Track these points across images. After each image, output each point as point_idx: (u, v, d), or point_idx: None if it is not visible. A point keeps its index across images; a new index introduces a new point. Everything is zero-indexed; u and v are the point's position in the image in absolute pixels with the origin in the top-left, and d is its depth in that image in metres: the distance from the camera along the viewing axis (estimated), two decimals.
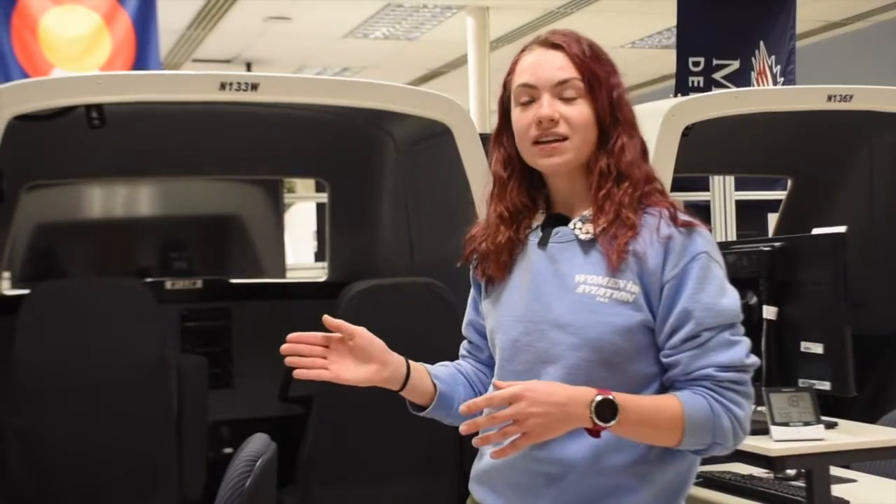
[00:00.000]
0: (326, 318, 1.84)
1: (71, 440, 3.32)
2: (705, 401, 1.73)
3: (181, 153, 4.26)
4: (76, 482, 3.34)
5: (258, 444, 2.30)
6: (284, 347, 1.83)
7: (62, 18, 6.14)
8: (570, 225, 1.86)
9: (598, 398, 1.66)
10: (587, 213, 1.85)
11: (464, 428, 1.68)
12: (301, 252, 9.38)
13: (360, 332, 1.86)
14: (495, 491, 1.88)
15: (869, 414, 3.26)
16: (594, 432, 1.68)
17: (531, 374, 1.81)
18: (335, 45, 11.43)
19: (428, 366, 1.97)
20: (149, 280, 4.39)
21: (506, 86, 1.93)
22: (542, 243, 1.87)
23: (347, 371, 1.85)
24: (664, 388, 1.80)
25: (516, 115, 1.88)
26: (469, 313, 2.07)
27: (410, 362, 1.91)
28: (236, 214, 5.15)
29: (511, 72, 1.92)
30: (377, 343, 1.87)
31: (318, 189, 6.78)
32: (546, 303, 1.82)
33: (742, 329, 1.80)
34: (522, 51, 1.92)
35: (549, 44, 1.88)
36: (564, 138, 1.82)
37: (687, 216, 1.82)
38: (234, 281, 4.69)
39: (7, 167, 3.21)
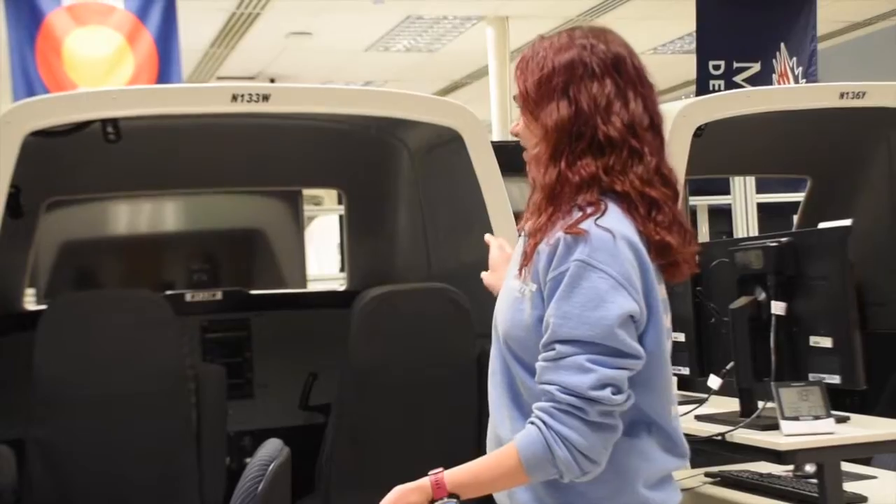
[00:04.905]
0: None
1: (91, 451, 3.35)
2: (539, 434, 1.70)
3: (198, 166, 4.30)
4: (97, 493, 3.37)
5: (271, 449, 2.32)
6: None
7: (86, 39, 6.22)
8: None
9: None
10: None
11: None
12: (327, 263, 9.43)
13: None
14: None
15: (892, 413, 3.23)
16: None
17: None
18: (357, 58, 11.48)
19: None
20: (169, 292, 4.42)
21: None
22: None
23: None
24: None
25: None
26: None
27: None
28: (257, 226, 5.19)
29: None
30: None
31: (341, 201, 6.82)
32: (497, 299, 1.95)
33: (619, 359, 1.71)
34: None
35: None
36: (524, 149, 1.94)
37: (585, 225, 1.76)
38: (253, 292, 4.72)
39: (25, 183, 3.25)
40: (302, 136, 4.11)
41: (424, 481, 1.75)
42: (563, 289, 1.72)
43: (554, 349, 1.72)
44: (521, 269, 1.83)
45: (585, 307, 1.71)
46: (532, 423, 1.72)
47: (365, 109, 3.51)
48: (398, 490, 1.76)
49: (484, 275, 2.18)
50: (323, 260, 9.59)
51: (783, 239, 2.90)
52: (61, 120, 3.22)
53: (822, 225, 2.89)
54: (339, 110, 3.53)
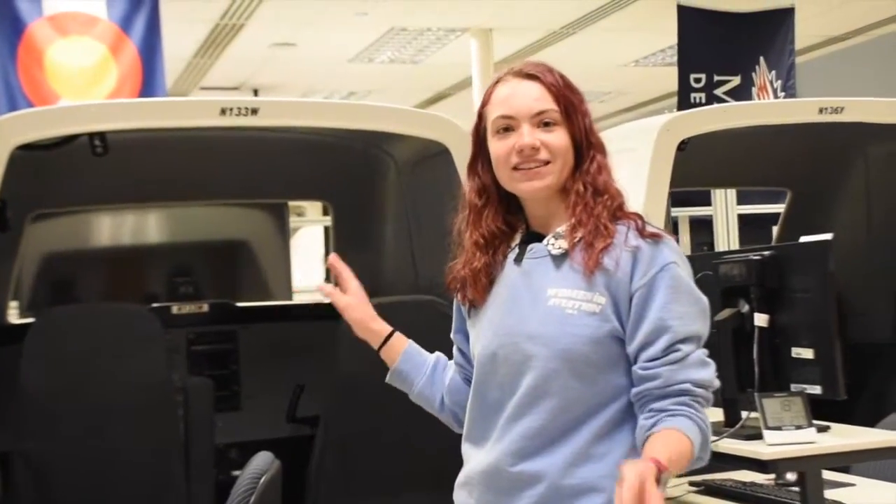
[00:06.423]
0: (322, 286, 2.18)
1: (78, 464, 3.37)
2: (695, 425, 1.78)
3: (184, 179, 4.31)
4: None
5: (262, 462, 2.34)
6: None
7: (68, 50, 6.18)
8: (544, 241, 1.92)
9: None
10: (560, 229, 1.90)
11: None
12: (311, 275, 9.43)
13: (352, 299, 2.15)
14: (473, 495, 1.94)
15: (870, 421, 3.29)
16: None
17: (512, 385, 1.88)
18: (341, 69, 11.51)
19: (412, 345, 2.13)
20: (155, 305, 4.43)
21: (481, 116, 1.98)
22: (518, 260, 1.94)
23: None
24: (629, 402, 1.84)
25: (495, 144, 1.93)
26: (456, 321, 2.11)
27: (398, 334, 2.14)
28: (243, 238, 5.20)
29: (486, 103, 1.96)
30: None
31: (326, 212, 6.84)
32: (520, 316, 1.89)
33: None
34: (497, 82, 1.97)
35: (524, 74, 1.93)
36: (546, 162, 1.88)
37: (653, 227, 1.87)
38: (239, 304, 4.74)
39: (11, 197, 3.26)
40: (289, 148, 4.13)
41: (646, 461, 1.65)
42: (668, 291, 1.81)
43: (679, 350, 1.80)
44: (578, 285, 1.83)
45: (692, 304, 1.83)
46: (682, 415, 1.78)
47: (353, 123, 3.54)
48: (634, 467, 1.61)
49: (349, 301, 2.16)
50: (306, 271, 9.58)
51: (766, 252, 2.94)
52: (48, 133, 3.23)
53: (803, 239, 2.93)
54: (327, 124, 3.55)
